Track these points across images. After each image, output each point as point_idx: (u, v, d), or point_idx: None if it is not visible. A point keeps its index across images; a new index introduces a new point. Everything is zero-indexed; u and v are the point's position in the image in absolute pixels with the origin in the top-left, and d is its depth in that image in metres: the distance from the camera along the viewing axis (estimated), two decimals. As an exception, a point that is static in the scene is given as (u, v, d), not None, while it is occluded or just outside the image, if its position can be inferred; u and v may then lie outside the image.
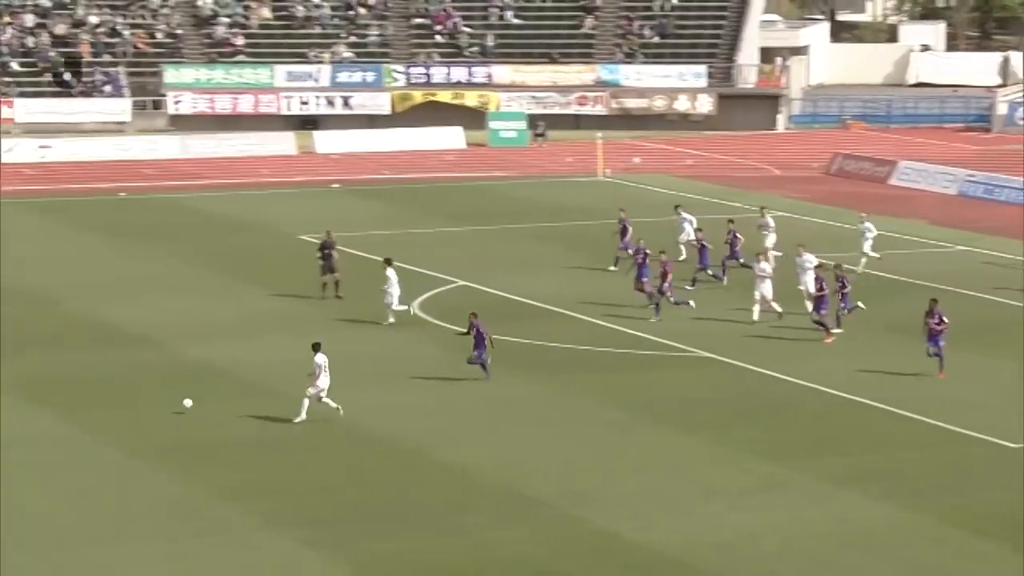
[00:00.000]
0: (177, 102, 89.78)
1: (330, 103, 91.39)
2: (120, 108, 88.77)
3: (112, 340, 44.73)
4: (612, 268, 53.67)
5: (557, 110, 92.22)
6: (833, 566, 29.35)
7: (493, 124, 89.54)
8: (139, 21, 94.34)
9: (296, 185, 74.98)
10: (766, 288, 47.21)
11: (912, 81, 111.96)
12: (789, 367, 42.49)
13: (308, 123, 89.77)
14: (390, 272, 47.02)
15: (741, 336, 45.69)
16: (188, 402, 37.65)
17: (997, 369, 42.74)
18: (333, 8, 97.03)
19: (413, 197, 71.66)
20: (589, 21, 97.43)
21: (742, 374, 42.43)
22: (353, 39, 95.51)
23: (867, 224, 55.04)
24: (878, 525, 31.28)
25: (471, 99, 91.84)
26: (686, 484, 33.86)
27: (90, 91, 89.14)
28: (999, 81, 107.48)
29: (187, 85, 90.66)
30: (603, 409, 39.31)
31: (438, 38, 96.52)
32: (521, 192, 70.29)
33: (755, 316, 47.11)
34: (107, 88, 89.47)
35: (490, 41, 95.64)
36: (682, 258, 54.20)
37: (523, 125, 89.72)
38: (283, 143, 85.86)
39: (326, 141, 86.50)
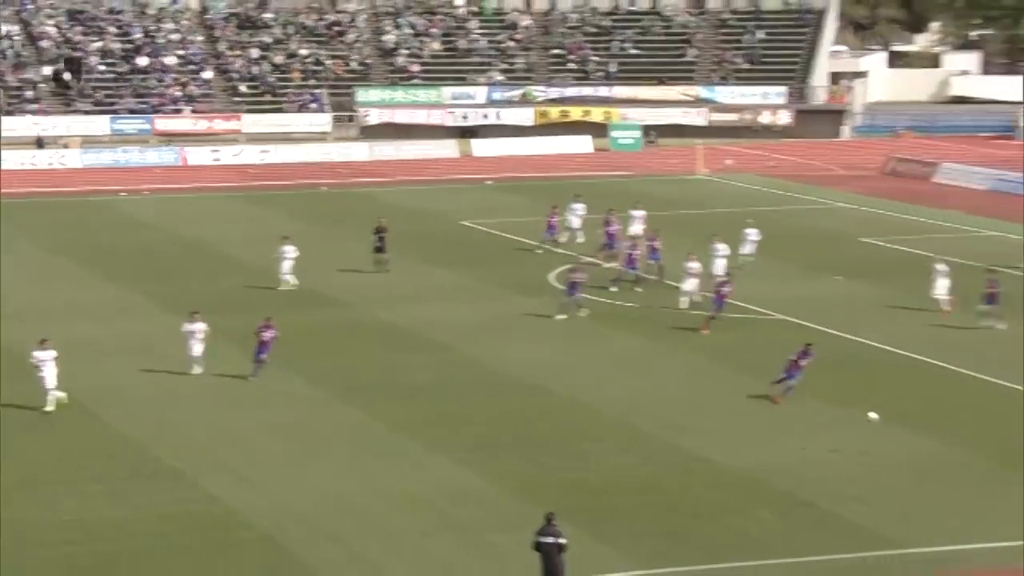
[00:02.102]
0: (366, 116, 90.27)
1: (485, 116, 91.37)
2: (322, 121, 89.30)
3: (318, 303, 44.95)
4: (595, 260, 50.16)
5: (665, 121, 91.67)
6: (885, 486, 28.79)
7: (614, 133, 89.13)
8: (338, 53, 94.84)
9: (458, 182, 75.04)
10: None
11: (952, 98, 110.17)
12: (854, 328, 41.74)
13: (468, 133, 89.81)
14: (288, 246, 46.72)
15: (811, 302, 44.91)
16: (873, 415, 32.70)
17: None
18: (489, 42, 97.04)
19: (550, 191, 71.30)
20: (691, 51, 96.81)
21: (813, 334, 41.71)
22: (504, 66, 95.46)
23: (751, 230, 49.44)
24: (924, 452, 30.69)
25: (597, 115, 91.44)
26: (765, 421, 33.44)
27: (300, 108, 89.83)
28: (1023, 98, 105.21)
29: (374, 103, 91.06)
30: (699, 360, 38.94)
31: (571, 65, 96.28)
32: (636, 187, 69.80)
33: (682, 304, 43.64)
34: (313, 105, 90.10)
35: (613, 67, 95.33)
36: (579, 240, 52.79)
37: (638, 134, 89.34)
38: (448, 149, 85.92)
39: (482, 147, 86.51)
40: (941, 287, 43.19)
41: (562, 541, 23.39)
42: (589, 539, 25.83)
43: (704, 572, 24.76)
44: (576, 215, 54.53)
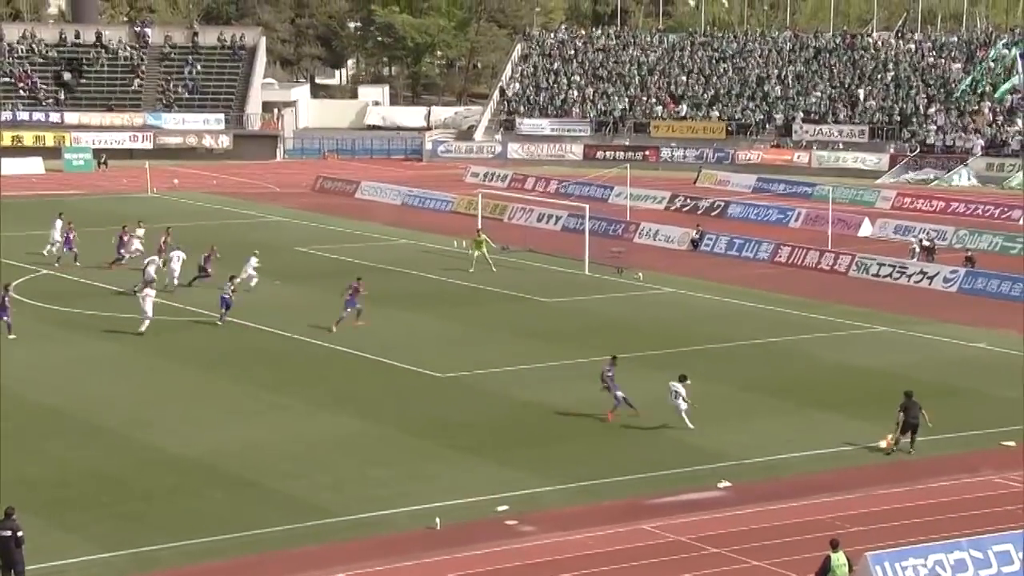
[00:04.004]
0: None
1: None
2: None
3: None
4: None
5: (115, 145, 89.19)
6: (320, 464, 29.22)
7: (67, 155, 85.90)
8: None
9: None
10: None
11: (368, 125, 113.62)
12: (287, 326, 42.09)
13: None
14: None
15: (253, 305, 44.89)
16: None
17: (423, 322, 43.22)
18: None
19: (8, 209, 67.55)
20: (137, 81, 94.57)
21: (253, 332, 41.80)
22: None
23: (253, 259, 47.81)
24: (352, 432, 31.37)
25: (49, 140, 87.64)
26: (215, 409, 33.14)
27: None
28: (425, 125, 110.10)
29: None
30: (156, 360, 38.07)
31: (21, 92, 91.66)
32: (94, 206, 67.37)
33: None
34: None
35: (62, 95, 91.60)
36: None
37: (90, 156, 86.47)
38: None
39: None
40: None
41: (20, 534, 22.27)
42: (51, 529, 24.68)
43: (160, 551, 24.22)
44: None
